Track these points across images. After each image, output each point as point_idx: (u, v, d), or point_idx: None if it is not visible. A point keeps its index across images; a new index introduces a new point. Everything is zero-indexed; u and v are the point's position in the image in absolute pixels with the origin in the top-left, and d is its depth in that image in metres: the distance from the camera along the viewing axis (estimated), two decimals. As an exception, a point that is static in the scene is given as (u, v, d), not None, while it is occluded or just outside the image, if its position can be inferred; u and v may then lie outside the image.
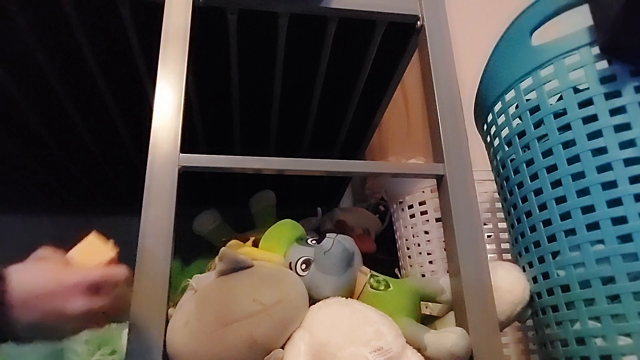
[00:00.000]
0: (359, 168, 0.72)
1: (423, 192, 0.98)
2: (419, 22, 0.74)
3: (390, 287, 0.66)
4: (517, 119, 0.68)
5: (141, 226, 0.56)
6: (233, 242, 0.81)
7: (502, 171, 0.74)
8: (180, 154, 0.60)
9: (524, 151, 0.67)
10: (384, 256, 1.05)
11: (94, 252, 0.49)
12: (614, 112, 0.58)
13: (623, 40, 0.56)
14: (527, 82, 0.66)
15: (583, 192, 0.59)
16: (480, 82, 0.75)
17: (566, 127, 0.61)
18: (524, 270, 0.70)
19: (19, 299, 0.37)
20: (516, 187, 0.69)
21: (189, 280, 0.60)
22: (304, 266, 0.64)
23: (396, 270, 1.06)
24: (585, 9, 0.59)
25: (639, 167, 0.56)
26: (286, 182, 1.25)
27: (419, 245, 0.99)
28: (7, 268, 0.39)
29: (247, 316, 0.54)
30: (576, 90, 0.61)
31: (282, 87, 0.87)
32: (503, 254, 0.90)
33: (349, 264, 0.63)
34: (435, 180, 0.68)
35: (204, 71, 0.81)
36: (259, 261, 0.64)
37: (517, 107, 0.68)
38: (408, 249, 1.02)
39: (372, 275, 0.66)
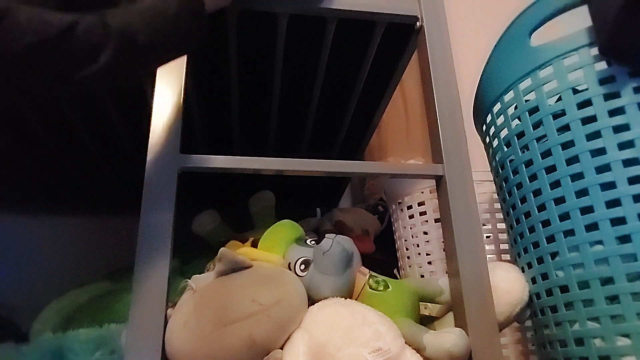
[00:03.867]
0: (358, 168, 0.72)
1: (422, 192, 0.98)
2: (418, 23, 0.74)
3: (389, 287, 0.66)
4: (516, 119, 0.68)
5: (140, 226, 0.56)
6: (232, 242, 0.81)
7: (501, 172, 0.74)
8: (180, 155, 0.60)
9: (523, 152, 0.67)
10: (383, 257, 1.05)
11: None
12: (612, 112, 0.58)
13: (622, 41, 0.56)
14: (526, 83, 0.66)
15: (582, 193, 0.59)
16: (480, 82, 0.75)
17: (565, 128, 0.61)
18: (523, 271, 0.70)
19: None
20: (515, 187, 0.70)
21: (188, 280, 0.60)
22: (303, 267, 0.64)
23: (395, 271, 1.06)
24: (584, 9, 0.59)
25: (637, 167, 0.56)
26: (285, 183, 1.24)
27: (418, 245, 0.99)
28: None
29: (246, 316, 0.54)
30: (575, 91, 0.61)
31: (281, 87, 0.87)
32: (502, 255, 0.90)
33: (348, 265, 0.63)
34: (434, 181, 0.68)
35: (203, 71, 0.81)
36: (258, 261, 0.64)
37: (516, 107, 0.68)
38: (407, 249, 1.02)
39: (371, 276, 0.66)
